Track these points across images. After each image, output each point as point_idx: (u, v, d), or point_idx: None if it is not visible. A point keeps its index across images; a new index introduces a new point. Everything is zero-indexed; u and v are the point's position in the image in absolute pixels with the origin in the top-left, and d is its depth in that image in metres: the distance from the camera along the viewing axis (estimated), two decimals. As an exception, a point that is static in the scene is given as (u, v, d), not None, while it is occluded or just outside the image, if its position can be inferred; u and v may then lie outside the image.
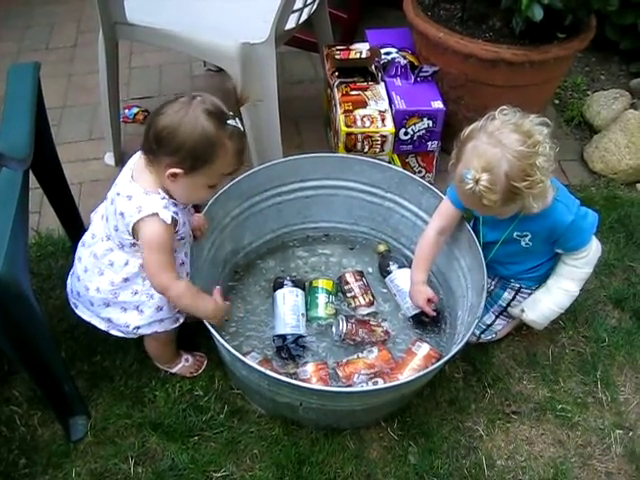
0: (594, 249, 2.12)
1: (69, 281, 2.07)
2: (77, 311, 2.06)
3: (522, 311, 2.25)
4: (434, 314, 2.29)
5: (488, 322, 2.32)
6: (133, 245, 1.87)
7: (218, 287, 2.07)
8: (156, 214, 1.78)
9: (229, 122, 1.75)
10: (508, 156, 1.80)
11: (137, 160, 1.86)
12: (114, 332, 2.02)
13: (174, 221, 1.82)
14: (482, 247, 2.16)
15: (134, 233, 1.82)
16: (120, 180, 1.88)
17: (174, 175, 1.76)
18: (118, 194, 1.84)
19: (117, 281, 1.92)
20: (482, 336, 2.33)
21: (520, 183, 1.80)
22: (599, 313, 2.51)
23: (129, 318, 1.97)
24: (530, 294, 2.26)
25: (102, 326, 2.02)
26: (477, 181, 1.81)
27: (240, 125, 1.79)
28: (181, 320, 2.05)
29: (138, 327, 1.99)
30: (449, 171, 2.01)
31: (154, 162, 1.79)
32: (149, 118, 1.81)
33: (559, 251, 2.14)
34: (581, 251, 2.09)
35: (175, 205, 1.84)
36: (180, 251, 1.98)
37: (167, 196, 1.82)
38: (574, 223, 2.01)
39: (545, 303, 2.20)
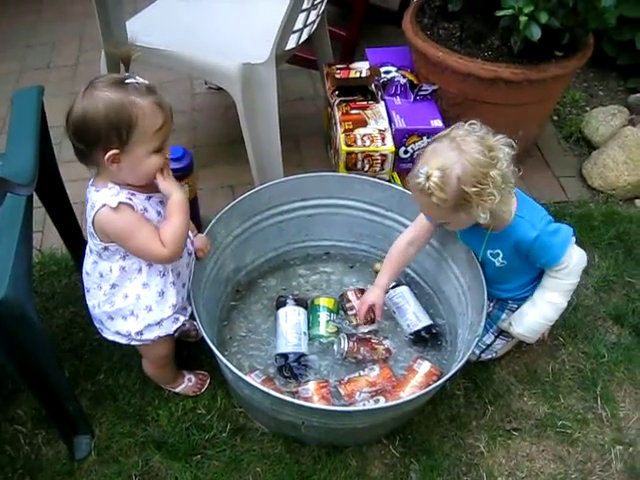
0: (575, 259, 2.10)
1: None
2: (103, 334, 2.04)
3: (510, 325, 2.25)
4: (362, 322, 2.33)
5: (488, 342, 2.33)
6: (105, 249, 1.84)
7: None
8: (104, 204, 1.73)
9: (128, 81, 1.69)
10: (464, 160, 1.83)
11: None
12: (134, 343, 2.01)
13: (126, 205, 1.75)
14: None
15: (98, 234, 1.80)
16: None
17: (114, 159, 1.70)
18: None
19: (107, 290, 1.92)
20: (482, 355, 2.34)
21: (470, 188, 1.83)
22: (599, 329, 2.52)
23: (129, 326, 1.96)
24: None
25: (123, 340, 2.01)
26: (429, 177, 1.84)
27: (142, 80, 1.72)
28: (181, 319, 2.01)
29: (140, 332, 1.97)
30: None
31: (92, 162, 1.76)
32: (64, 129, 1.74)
33: (538, 266, 2.15)
34: (558, 265, 2.09)
35: (132, 194, 1.79)
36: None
37: (118, 187, 1.77)
38: (539, 239, 2.01)
39: (531, 316, 2.19)
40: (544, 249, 2.05)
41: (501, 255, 2.12)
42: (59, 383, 2.02)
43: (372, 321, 2.40)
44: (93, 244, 1.86)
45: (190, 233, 2.02)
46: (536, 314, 2.19)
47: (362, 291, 2.48)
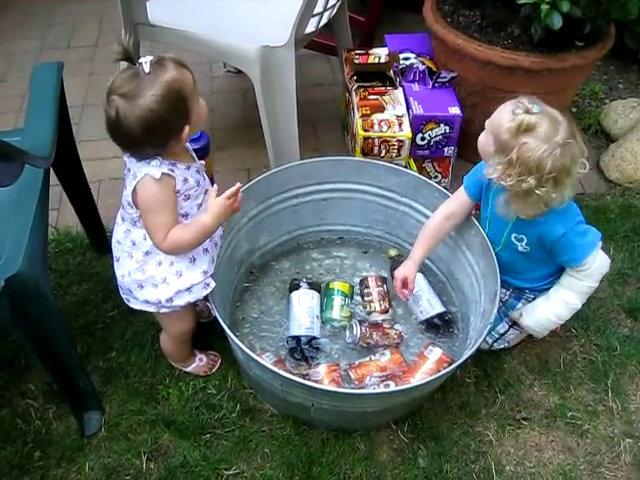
0: (598, 264, 2.08)
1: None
2: (130, 305, 2.05)
3: (520, 315, 2.24)
4: (402, 295, 2.31)
5: (501, 331, 2.32)
6: (141, 217, 1.87)
7: (214, 187, 1.93)
8: (146, 174, 1.76)
9: (147, 70, 1.68)
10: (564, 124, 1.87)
11: None
12: (163, 310, 2.00)
13: (168, 177, 1.79)
14: None
15: (134, 203, 1.82)
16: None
17: (187, 132, 1.76)
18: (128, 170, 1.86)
19: (140, 257, 1.93)
20: (495, 345, 2.34)
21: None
22: (611, 322, 2.51)
23: (160, 293, 1.96)
24: None
25: (152, 309, 2.01)
26: (528, 111, 1.85)
27: (146, 58, 1.70)
28: (212, 285, 2.01)
29: (170, 299, 1.96)
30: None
31: (161, 151, 1.79)
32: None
33: (559, 262, 2.14)
34: (580, 265, 2.07)
35: (173, 164, 1.81)
36: (191, 209, 1.92)
37: (160, 157, 1.79)
38: (566, 236, 2.00)
39: (543, 311, 2.18)
40: (569, 247, 2.04)
41: (525, 240, 2.11)
42: (71, 359, 2.03)
43: (386, 311, 2.41)
44: (127, 213, 1.89)
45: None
46: (548, 310, 2.18)
47: (383, 279, 2.49)
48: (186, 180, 1.85)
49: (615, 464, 2.14)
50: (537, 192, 1.86)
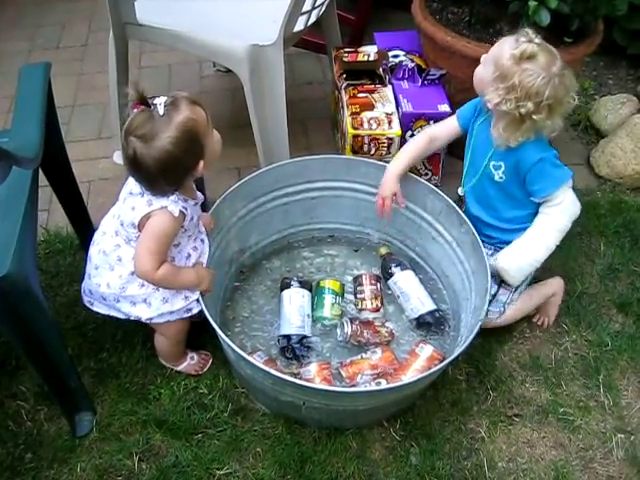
0: (571, 200, 2.18)
1: (83, 283, 2.09)
2: (93, 308, 2.08)
3: (495, 260, 2.24)
4: (388, 212, 2.36)
5: (492, 292, 2.30)
6: (138, 238, 1.91)
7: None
8: (165, 207, 1.84)
9: (162, 112, 1.74)
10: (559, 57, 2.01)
11: None
12: (133, 318, 2.04)
13: (182, 215, 1.87)
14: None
15: (140, 226, 1.87)
16: (132, 180, 1.91)
17: (202, 167, 1.85)
18: (130, 193, 1.90)
19: (125, 275, 1.96)
20: (490, 309, 2.27)
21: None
22: (603, 317, 2.51)
23: (139, 311, 2.01)
24: None
25: (121, 315, 2.05)
26: (531, 40, 1.99)
27: (161, 99, 1.77)
28: (194, 311, 2.06)
29: (150, 318, 2.03)
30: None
31: (169, 189, 1.86)
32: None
33: (532, 199, 2.19)
34: (553, 198, 2.15)
35: (185, 201, 1.89)
36: (186, 245, 2.02)
37: (176, 193, 1.86)
38: (541, 162, 2.11)
39: (518, 251, 2.22)
40: (542, 175, 2.13)
41: (502, 168, 2.19)
42: (62, 360, 2.03)
43: (377, 309, 2.41)
44: (125, 230, 1.93)
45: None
46: (524, 250, 2.22)
47: (377, 278, 2.49)
48: (192, 218, 1.95)
49: (607, 459, 2.14)
50: (534, 117, 2.00)
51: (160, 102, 1.75)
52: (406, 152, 2.38)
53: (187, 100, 1.79)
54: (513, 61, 1.98)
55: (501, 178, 2.20)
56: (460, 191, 2.40)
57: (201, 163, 1.83)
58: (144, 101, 1.76)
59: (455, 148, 2.84)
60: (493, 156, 2.19)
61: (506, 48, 2.01)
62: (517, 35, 2.02)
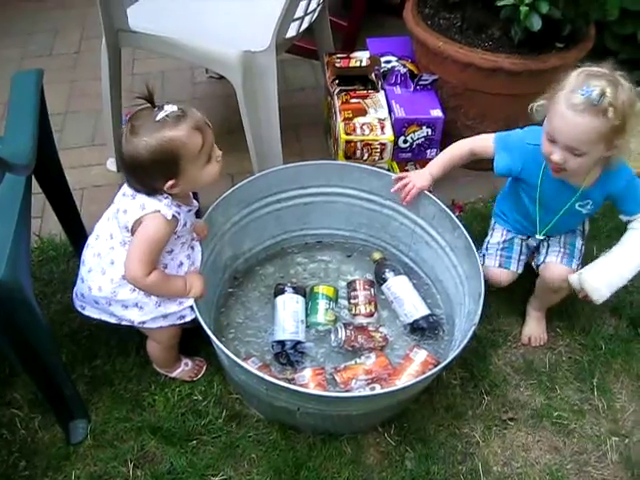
0: None
1: (75, 286, 2.09)
2: (85, 312, 2.08)
3: (580, 275, 2.15)
4: (409, 199, 2.34)
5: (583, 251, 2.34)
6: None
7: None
8: (158, 211, 1.83)
9: (158, 118, 1.76)
10: (624, 87, 1.87)
11: None
12: (125, 323, 2.04)
13: (175, 219, 1.87)
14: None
15: (133, 230, 1.87)
16: (125, 185, 1.92)
17: (172, 186, 1.82)
18: (124, 194, 1.91)
19: (117, 279, 1.95)
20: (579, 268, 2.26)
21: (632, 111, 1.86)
22: (596, 321, 2.52)
23: (131, 315, 2.01)
24: None
25: (112, 320, 2.05)
26: (603, 94, 1.82)
27: (171, 107, 1.78)
28: (187, 318, 2.06)
29: (143, 322, 2.02)
30: (535, 112, 2.07)
31: (154, 192, 1.86)
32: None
33: (621, 217, 2.18)
34: None
35: (178, 206, 1.89)
36: (179, 252, 2.02)
37: (170, 197, 1.86)
38: (628, 185, 2.09)
39: (605, 266, 2.14)
40: (633, 196, 2.11)
41: (589, 204, 2.17)
42: (56, 367, 2.02)
43: (371, 315, 2.41)
44: (121, 233, 1.93)
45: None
46: (611, 265, 2.14)
47: (371, 283, 2.50)
48: (185, 224, 1.94)
49: (602, 463, 2.15)
50: (617, 144, 1.90)
51: (167, 110, 1.76)
52: (445, 160, 2.34)
53: (191, 122, 1.79)
54: (613, 113, 1.83)
55: (588, 210, 2.19)
56: (538, 237, 2.34)
57: (169, 182, 1.81)
58: (152, 100, 1.78)
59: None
60: (579, 198, 2.15)
61: (591, 117, 1.85)
62: (567, 95, 1.90)
